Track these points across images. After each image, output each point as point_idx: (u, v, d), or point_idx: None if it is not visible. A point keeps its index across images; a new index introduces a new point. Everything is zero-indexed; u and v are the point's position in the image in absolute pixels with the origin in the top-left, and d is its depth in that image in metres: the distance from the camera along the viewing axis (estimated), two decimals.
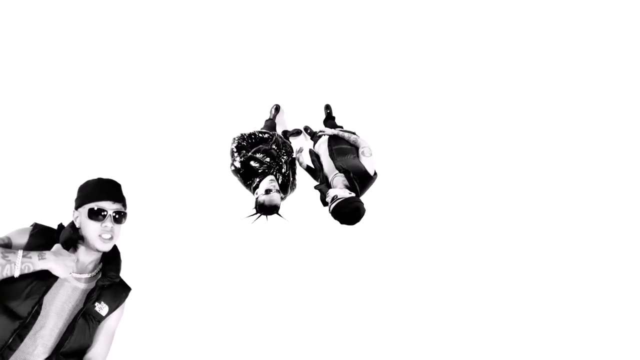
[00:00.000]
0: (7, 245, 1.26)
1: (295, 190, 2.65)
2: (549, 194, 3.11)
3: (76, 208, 1.38)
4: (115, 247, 1.46)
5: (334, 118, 3.18)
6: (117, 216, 1.37)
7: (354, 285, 2.99)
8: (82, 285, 1.33)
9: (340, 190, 2.22)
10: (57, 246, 1.27)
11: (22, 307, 1.17)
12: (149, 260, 2.75)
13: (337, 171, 2.36)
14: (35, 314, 1.18)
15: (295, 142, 3.09)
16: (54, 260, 1.21)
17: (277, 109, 3.21)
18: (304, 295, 2.96)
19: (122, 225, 1.40)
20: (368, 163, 2.38)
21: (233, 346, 2.86)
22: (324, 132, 2.71)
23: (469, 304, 2.99)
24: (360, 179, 2.32)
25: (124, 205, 1.43)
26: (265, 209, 2.21)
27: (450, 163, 3.18)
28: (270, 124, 3.07)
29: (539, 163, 3.15)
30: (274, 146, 2.53)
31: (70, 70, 3.20)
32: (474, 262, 3.04)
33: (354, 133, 2.61)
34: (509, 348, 2.89)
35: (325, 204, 2.40)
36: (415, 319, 2.97)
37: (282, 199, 2.37)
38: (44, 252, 1.22)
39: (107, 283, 1.36)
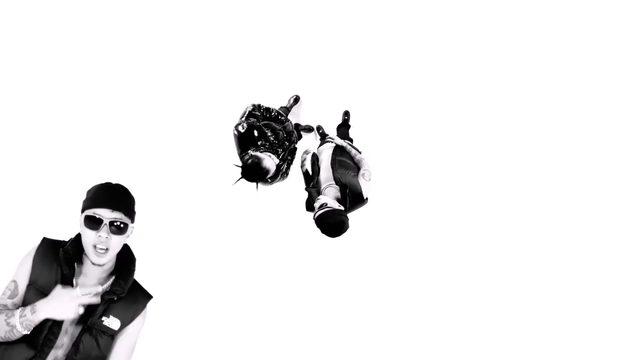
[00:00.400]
0: (14, 294, 1.20)
1: (284, 181, 2.62)
2: (547, 211, 3.07)
3: (81, 213, 1.27)
4: (131, 255, 1.36)
5: (348, 127, 3.13)
6: (121, 225, 1.23)
7: (334, 289, 3.08)
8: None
9: (330, 199, 2.25)
10: (56, 289, 1.15)
11: (36, 338, 1.15)
12: (149, 261, 2.79)
13: (334, 182, 2.38)
14: (48, 341, 1.16)
15: (305, 138, 3.07)
16: (50, 310, 1.11)
17: (297, 100, 3.14)
18: (284, 294, 3.06)
19: (122, 237, 1.26)
20: (365, 186, 2.41)
21: (225, 347, 2.97)
22: (332, 139, 2.71)
23: (457, 311, 3.04)
24: (353, 198, 2.37)
25: (127, 215, 1.26)
26: (257, 167, 2.18)
27: (448, 180, 3.16)
28: (284, 112, 3.05)
29: (539, 185, 3.09)
30: (283, 130, 2.52)
31: (76, 72, 3.08)
32: (458, 273, 3.07)
33: (360, 152, 2.64)
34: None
35: (310, 209, 2.43)
36: (395, 328, 3.05)
37: (270, 180, 2.38)
38: (35, 304, 1.13)
39: (113, 298, 1.25)
